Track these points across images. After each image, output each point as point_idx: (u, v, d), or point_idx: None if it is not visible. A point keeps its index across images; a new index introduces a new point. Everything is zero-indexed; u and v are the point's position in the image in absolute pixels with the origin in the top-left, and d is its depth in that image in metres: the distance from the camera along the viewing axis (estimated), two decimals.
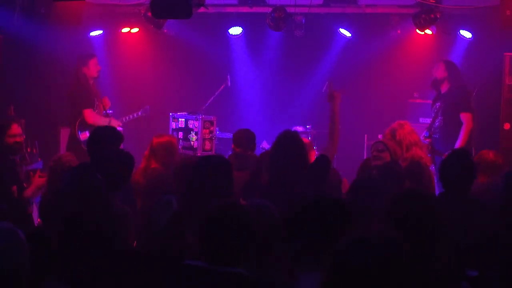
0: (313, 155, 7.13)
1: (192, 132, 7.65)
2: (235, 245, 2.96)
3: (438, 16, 8.47)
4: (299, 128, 9.17)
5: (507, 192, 4.02)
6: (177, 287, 3.02)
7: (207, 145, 7.64)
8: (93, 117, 7.83)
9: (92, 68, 8.00)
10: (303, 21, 9.02)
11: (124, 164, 4.80)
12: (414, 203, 3.17)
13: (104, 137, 5.44)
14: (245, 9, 9.64)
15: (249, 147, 6.47)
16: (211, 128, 7.66)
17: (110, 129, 5.78)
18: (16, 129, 6.28)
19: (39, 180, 6.11)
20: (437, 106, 8.00)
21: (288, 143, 4.84)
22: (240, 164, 5.90)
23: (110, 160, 4.77)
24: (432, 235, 3.06)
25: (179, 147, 7.63)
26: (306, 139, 7.50)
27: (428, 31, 9.01)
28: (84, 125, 7.77)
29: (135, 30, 9.81)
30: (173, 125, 7.86)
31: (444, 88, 7.94)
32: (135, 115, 8.27)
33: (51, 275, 3.09)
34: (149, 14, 8.03)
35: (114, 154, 4.94)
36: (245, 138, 6.47)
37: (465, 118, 7.67)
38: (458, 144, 7.57)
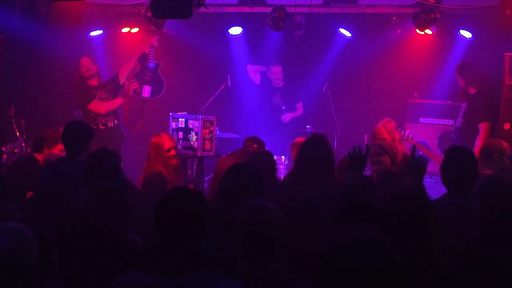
0: None
1: (192, 132, 7.64)
2: (189, 225, 2.96)
3: (438, 16, 8.47)
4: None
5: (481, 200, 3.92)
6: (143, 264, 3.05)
7: (207, 145, 7.63)
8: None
9: (81, 69, 8.47)
10: (303, 21, 9.02)
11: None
12: (411, 203, 3.17)
13: (77, 132, 5.58)
14: (245, 9, 9.65)
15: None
16: (211, 128, 7.64)
17: (81, 124, 5.87)
18: None
19: None
20: (463, 107, 8.11)
21: (316, 147, 4.97)
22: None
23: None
24: (428, 236, 3.06)
25: (179, 147, 7.63)
26: (304, 139, 7.51)
27: (428, 31, 9.01)
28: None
29: (135, 30, 9.82)
30: (173, 125, 7.85)
31: (472, 90, 8.12)
32: None
33: (51, 276, 3.10)
34: (149, 14, 8.03)
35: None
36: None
37: (483, 127, 7.79)
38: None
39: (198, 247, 2.95)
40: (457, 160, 4.48)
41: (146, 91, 8.74)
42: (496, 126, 8.42)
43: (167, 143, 6.78)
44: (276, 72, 9.64)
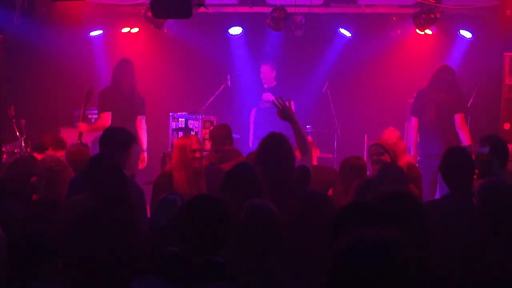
0: (315, 154, 7.15)
1: (192, 132, 7.64)
2: (211, 234, 3.07)
3: (438, 16, 8.48)
4: None
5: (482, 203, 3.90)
6: (159, 270, 3.07)
7: (207, 145, 7.63)
8: None
9: None
10: (303, 21, 9.02)
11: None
12: (403, 202, 3.16)
13: (114, 136, 5.50)
14: (245, 9, 9.64)
15: (225, 143, 6.60)
16: (211, 128, 7.64)
17: (119, 129, 5.81)
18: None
19: None
20: None
21: (275, 145, 4.81)
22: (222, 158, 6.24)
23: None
24: (420, 235, 3.05)
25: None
26: (309, 138, 7.51)
27: (428, 31, 9.01)
28: None
29: (135, 30, 9.82)
30: (173, 125, 7.85)
31: None
32: None
33: (45, 274, 3.11)
34: (149, 14, 8.03)
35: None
36: (220, 135, 6.66)
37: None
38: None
39: (218, 258, 3.00)
40: (454, 161, 4.49)
41: None
42: (497, 126, 8.44)
43: (194, 144, 6.65)
44: (263, 71, 9.38)
